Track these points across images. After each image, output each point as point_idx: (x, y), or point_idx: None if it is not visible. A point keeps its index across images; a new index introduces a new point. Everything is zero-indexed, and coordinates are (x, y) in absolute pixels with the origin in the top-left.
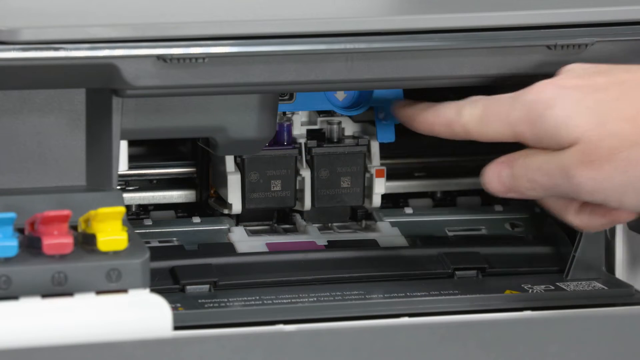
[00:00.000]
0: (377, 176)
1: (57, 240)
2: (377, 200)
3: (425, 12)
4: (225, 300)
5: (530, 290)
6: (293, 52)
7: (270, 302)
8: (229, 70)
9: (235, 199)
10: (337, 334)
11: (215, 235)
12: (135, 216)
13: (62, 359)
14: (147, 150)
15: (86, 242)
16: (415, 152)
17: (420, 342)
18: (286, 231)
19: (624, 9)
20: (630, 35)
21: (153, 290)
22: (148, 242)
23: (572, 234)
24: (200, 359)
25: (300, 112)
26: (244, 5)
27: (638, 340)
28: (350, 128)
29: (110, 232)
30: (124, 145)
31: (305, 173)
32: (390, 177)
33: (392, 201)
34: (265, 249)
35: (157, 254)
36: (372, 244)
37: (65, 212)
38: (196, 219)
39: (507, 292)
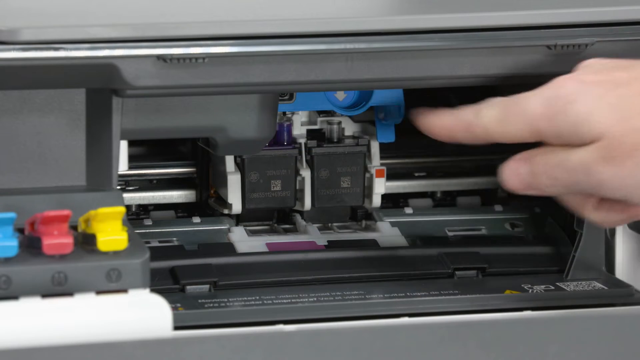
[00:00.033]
0: (377, 176)
1: (57, 240)
2: (377, 200)
3: (425, 12)
4: (225, 300)
5: (530, 290)
6: (293, 52)
7: (270, 302)
8: (229, 70)
9: (235, 199)
10: (337, 334)
11: (215, 235)
12: (135, 216)
13: (62, 359)
14: (147, 150)
15: (86, 242)
16: (415, 152)
17: (420, 342)
18: (286, 231)
19: (624, 9)
20: (630, 35)
21: (153, 290)
22: (148, 242)
23: (572, 234)
24: (200, 359)
25: (300, 112)
26: (244, 5)
27: (638, 340)
28: (350, 128)
29: (110, 232)
30: (124, 145)
31: (305, 173)
32: (390, 177)
33: (392, 201)
34: (265, 249)
35: (157, 254)
36: (372, 244)
37: (65, 212)
38: (196, 219)
39: (507, 292)
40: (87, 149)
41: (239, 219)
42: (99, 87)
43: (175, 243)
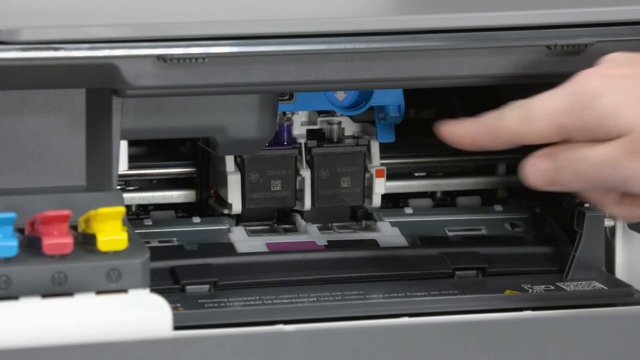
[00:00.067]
0: (377, 176)
1: (57, 240)
2: (377, 200)
3: (425, 12)
4: (225, 300)
5: (530, 290)
6: (293, 52)
7: (270, 302)
8: (229, 70)
9: (235, 199)
10: (337, 334)
11: (215, 235)
12: (135, 216)
13: (62, 359)
14: (147, 150)
15: (86, 242)
16: (415, 152)
17: (420, 342)
18: (286, 231)
19: (624, 9)
20: (631, 35)
21: (153, 290)
22: (148, 242)
23: (572, 234)
24: (200, 359)
25: (300, 112)
26: (244, 5)
27: (638, 340)
28: (350, 128)
29: (110, 232)
30: (124, 145)
31: (305, 173)
32: (390, 177)
33: (392, 201)
34: (265, 249)
35: (157, 254)
36: (372, 244)
37: (65, 212)
38: (196, 219)
39: (507, 292)
40: (87, 149)
41: (239, 219)
42: (99, 87)
43: (175, 243)
